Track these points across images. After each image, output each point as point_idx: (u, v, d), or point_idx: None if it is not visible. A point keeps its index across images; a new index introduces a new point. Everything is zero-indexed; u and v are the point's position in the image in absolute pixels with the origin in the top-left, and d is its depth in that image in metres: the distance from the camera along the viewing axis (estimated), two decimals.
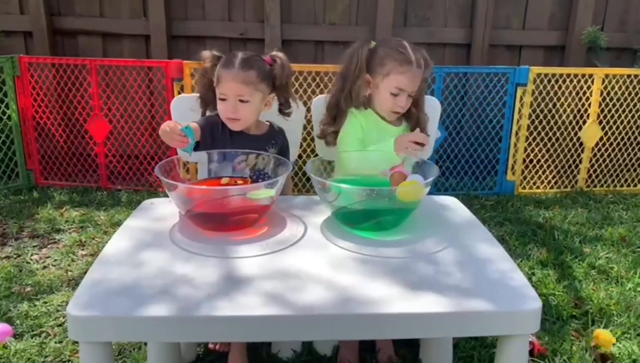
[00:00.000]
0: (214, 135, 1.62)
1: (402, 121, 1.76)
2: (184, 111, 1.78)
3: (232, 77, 1.57)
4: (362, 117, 1.70)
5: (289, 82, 1.72)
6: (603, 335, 1.79)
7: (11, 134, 3.13)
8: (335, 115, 1.74)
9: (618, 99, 3.32)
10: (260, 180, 1.46)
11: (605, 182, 3.44)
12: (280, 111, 1.73)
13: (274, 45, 3.37)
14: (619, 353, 1.76)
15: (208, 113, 1.72)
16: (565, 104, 3.31)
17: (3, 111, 3.07)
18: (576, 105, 3.32)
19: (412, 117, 1.75)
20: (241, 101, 1.58)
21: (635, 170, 3.47)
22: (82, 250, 2.41)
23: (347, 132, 1.70)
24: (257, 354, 1.68)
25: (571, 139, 3.39)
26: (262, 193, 1.30)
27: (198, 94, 1.73)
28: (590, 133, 3.32)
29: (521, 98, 3.16)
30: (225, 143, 1.61)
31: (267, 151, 1.62)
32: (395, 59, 1.62)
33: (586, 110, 3.31)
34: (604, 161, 3.44)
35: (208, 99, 1.70)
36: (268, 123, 1.73)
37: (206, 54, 1.66)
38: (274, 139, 1.70)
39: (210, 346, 1.71)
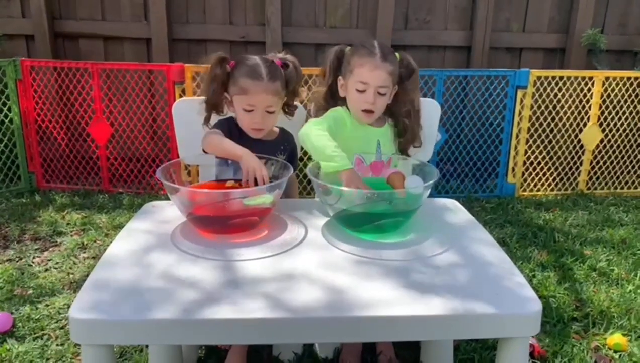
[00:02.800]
0: (232, 138, 1.60)
1: (385, 121, 1.70)
2: (185, 114, 1.78)
3: (263, 89, 1.55)
4: (345, 114, 1.65)
5: (299, 86, 1.71)
6: (616, 340, 1.80)
7: (13, 137, 3.14)
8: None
9: (618, 102, 3.33)
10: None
11: (606, 184, 3.45)
12: (286, 112, 1.72)
13: (274, 48, 3.38)
14: (620, 356, 1.76)
15: (213, 117, 1.69)
16: (566, 106, 3.32)
17: (5, 114, 3.08)
18: (576, 107, 3.32)
19: (398, 120, 1.70)
20: (268, 112, 1.59)
21: (635, 172, 3.47)
22: (84, 252, 2.41)
23: (325, 116, 1.63)
24: (258, 357, 1.68)
25: (572, 142, 3.40)
26: (260, 199, 1.30)
27: (203, 98, 1.67)
28: (591, 135, 3.32)
29: (521, 101, 3.16)
30: None
31: (277, 156, 1.60)
32: (358, 53, 1.61)
33: (586, 112, 3.31)
34: (605, 163, 3.44)
35: (218, 104, 1.66)
36: (278, 128, 1.72)
37: (214, 58, 1.61)
38: (283, 144, 1.70)
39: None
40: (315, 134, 1.50)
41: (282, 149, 1.69)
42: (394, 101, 1.67)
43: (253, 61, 1.60)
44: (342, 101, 1.69)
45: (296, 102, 1.75)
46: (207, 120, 1.68)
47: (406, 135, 1.70)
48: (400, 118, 1.70)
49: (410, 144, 1.72)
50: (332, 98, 1.71)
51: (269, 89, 1.56)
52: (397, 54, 1.65)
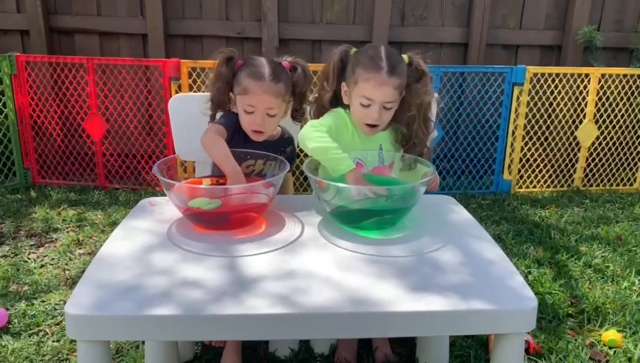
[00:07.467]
0: (233, 137, 1.59)
1: (389, 125, 1.61)
2: (181, 110, 1.78)
3: (264, 90, 1.52)
4: (347, 117, 1.60)
5: (308, 90, 1.67)
6: (611, 336, 1.80)
7: (8, 133, 3.12)
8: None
9: (614, 99, 3.33)
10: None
11: (602, 181, 3.46)
12: (294, 117, 1.69)
13: (271, 44, 3.37)
14: (615, 352, 1.77)
15: (219, 114, 1.67)
16: (562, 103, 3.32)
17: (0, 110, 3.06)
18: (572, 104, 3.33)
19: (402, 124, 1.60)
20: (269, 114, 1.56)
21: (631, 169, 3.49)
22: (80, 248, 2.41)
23: (325, 118, 1.56)
24: (254, 353, 1.68)
25: (567, 139, 3.41)
26: (204, 201, 1.29)
27: (209, 95, 1.65)
28: (587, 133, 3.33)
29: (518, 98, 3.17)
30: (239, 146, 1.57)
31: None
32: (363, 65, 1.51)
33: (582, 109, 3.32)
34: (600, 160, 3.45)
35: (221, 102, 1.64)
36: (280, 129, 1.71)
37: (221, 56, 1.59)
38: (283, 146, 1.69)
39: (206, 342, 1.72)
40: (315, 137, 1.44)
41: (282, 151, 1.67)
42: (399, 105, 1.57)
43: (258, 61, 1.57)
44: (345, 105, 1.62)
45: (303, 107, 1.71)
46: (212, 118, 1.67)
47: (410, 142, 1.60)
48: (404, 123, 1.59)
49: (415, 152, 1.58)
50: (337, 102, 1.64)
51: (271, 90, 1.53)
52: (405, 57, 1.56)
